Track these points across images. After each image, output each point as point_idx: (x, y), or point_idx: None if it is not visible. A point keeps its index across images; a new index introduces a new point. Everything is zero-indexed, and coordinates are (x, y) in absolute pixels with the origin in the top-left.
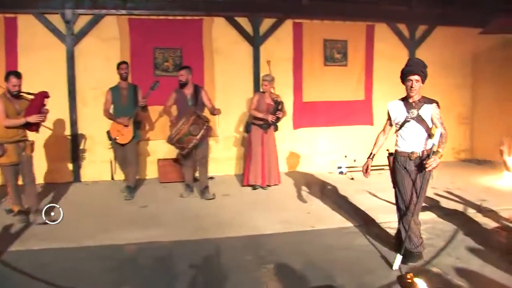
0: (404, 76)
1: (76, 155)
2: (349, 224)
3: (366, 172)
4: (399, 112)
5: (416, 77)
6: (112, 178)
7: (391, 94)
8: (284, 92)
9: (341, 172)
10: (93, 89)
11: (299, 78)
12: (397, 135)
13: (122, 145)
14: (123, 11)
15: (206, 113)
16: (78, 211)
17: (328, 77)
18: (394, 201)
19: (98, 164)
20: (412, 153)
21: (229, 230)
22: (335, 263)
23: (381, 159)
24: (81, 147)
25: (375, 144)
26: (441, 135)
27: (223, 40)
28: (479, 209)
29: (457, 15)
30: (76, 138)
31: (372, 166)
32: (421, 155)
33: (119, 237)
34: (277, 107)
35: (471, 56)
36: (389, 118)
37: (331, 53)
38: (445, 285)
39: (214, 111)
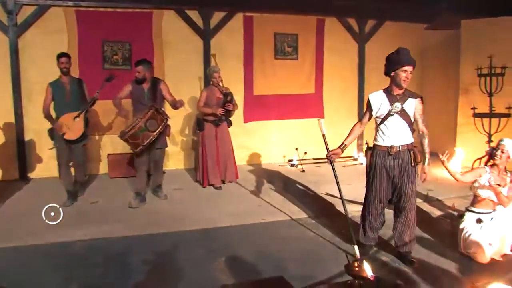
0: (398, 67)
1: (22, 152)
2: (300, 216)
3: (331, 159)
4: (381, 104)
5: (411, 68)
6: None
7: (341, 87)
8: (235, 85)
9: (292, 165)
10: (39, 83)
11: (249, 71)
12: (377, 130)
13: (69, 142)
14: (70, 3)
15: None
16: (25, 208)
17: (279, 71)
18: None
19: (46, 161)
20: (391, 147)
21: (181, 224)
22: (287, 255)
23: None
24: (27, 144)
25: (349, 135)
26: (425, 137)
27: (173, 34)
28: (426, 198)
29: (404, 10)
30: (22, 134)
31: (324, 158)
32: (400, 150)
33: (68, 234)
34: (226, 99)
35: (418, 51)
36: (369, 111)
37: (282, 46)
38: (392, 272)
39: (176, 104)
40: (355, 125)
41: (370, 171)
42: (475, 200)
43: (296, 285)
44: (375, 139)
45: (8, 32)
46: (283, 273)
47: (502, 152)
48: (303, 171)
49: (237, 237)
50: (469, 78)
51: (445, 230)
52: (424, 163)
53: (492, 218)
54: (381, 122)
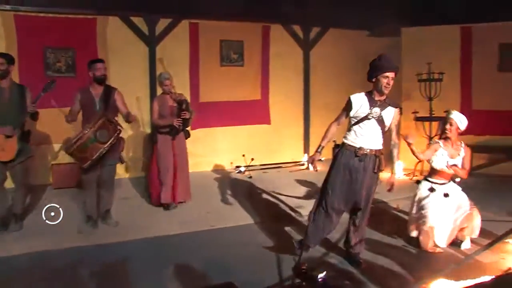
0: (380, 72)
1: None
2: (248, 221)
3: (313, 166)
4: (361, 106)
5: (393, 74)
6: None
7: (287, 93)
8: (181, 92)
9: (239, 171)
10: None
11: (195, 78)
12: (350, 129)
13: (4, 163)
14: (7, 7)
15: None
16: None
17: (225, 77)
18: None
19: None
20: (360, 148)
21: (129, 233)
22: (236, 260)
23: (281, 157)
24: None
25: (325, 136)
26: (396, 147)
27: (118, 40)
28: (372, 201)
29: (348, 18)
30: None
31: (270, 164)
32: (368, 154)
33: (10, 248)
34: (181, 107)
35: (361, 57)
36: (347, 110)
37: (228, 53)
38: (340, 273)
39: (129, 117)
40: (331, 125)
41: (333, 169)
42: (433, 171)
43: None
44: (345, 137)
45: None
46: (233, 279)
47: (451, 125)
48: (251, 177)
49: (186, 244)
50: (410, 83)
51: (391, 231)
52: (392, 172)
53: (447, 196)
54: (356, 123)
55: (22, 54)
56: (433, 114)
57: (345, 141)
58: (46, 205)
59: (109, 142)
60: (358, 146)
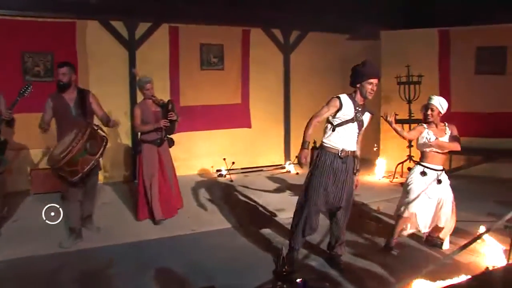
0: (364, 79)
1: None
2: (229, 225)
3: (305, 162)
4: (348, 108)
5: (376, 80)
6: None
7: (267, 96)
8: (161, 96)
9: (220, 175)
10: None
11: (176, 82)
12: (332, 130)
13: None
14: None
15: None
16: None
17: (205, 81)
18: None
19: None
20: (342, 150)
21: (109, 238)
22: (217, 264)
23: (262, 160)
24: None
25: (309, 132)
26: (358, 148)
27: (98, 45)
28: (353, 203)
29: (327, 22)
30: None
31: (252, 167)
32: (349, 155)
33: None
34: (167, 108)
35: (341, 60)
36: (338, 109)
37: (208, 57)
38: (320, 275)
39: (109, 122)
40: (312, 121)
41: (315, 169)
42: (424, 155)
43: None
44: (327, 139)
45: None
46: (214, 282)
47: (432, 110)
48: (232, 181)
49: (166, 249)
50: (390, 86)
51: (371, 233)
52: (356, 173)
53: (440, 182)
54: (340, 125)
55: None
56: (413, 116)
57: (327, 142)
58: (25, 211)
59: (99, 153)
60: (340, 147)
